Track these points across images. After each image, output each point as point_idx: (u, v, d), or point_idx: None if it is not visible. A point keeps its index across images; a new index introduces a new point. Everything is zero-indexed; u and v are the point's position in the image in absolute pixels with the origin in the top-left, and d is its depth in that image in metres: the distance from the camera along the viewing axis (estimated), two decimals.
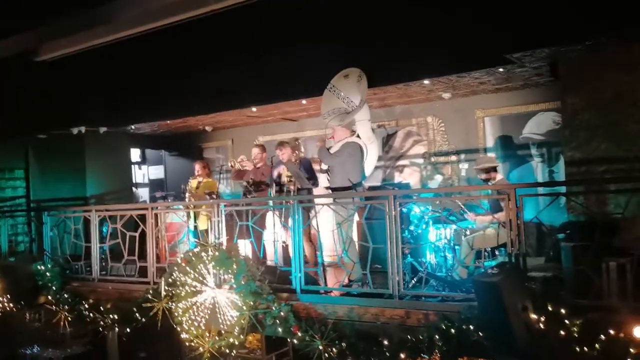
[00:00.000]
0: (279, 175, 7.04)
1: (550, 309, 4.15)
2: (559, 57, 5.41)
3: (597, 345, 3.95)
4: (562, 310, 4.12)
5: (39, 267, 7.64)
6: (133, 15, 7.51)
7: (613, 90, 5.14)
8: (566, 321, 4.09)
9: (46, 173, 9.34)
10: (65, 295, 7.42)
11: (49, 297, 7.51)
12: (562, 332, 4.08)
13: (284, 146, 6.97)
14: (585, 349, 3.99)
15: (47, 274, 7.58)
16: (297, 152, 7.02)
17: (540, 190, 6.49)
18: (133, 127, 9.51)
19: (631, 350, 3.82)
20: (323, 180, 6.59)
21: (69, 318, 7.34)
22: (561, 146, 6.55)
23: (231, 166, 7.49)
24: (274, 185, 7.10)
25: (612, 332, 3.95)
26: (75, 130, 9.03)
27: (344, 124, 6.26)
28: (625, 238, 4.73)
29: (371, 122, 6.51)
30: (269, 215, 6.72)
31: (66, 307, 7.32)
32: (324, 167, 6.40)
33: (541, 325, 4.12)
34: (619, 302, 4.21)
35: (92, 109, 8.90)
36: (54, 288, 7.52)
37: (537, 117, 7.33)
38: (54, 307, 7.43)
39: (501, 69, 6.09)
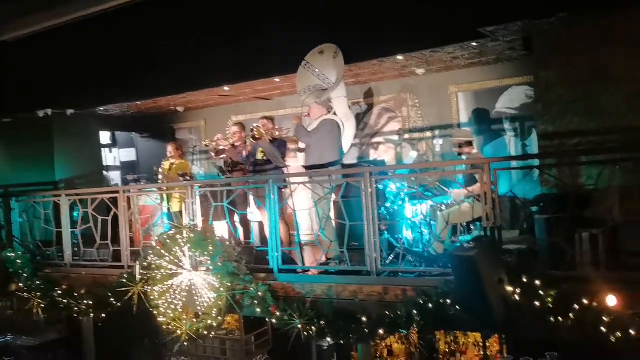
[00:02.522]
0: (254, 152, 6.89)
1: (525, 281, 4.21)
2: (532, 30, 5.41)
3: (571, 315, 4.02)
4: (537, 282, 4.17)
5: (9, 254, 7.47)
6: None
7: (586, 64, 5.16)
8: (541, 292, 4.14)
9: (13, 158, 9.05)
10: (38, 282, 7.27)
11: (21, 285, 7.37)
12: (537, 304, 4.14)
13: (268, 120, 6.80)
14: (560, 319, 4.06)
15: (18, 261, 7.43)
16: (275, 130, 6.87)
17: (514, 164, 6.54)
18: (102, 108, 9.27)
19: (604, 318, 3.90)
20: (300, 158, 6.50)
21: (42, 305, 7.21)
22: (534, 120, 6.60)
23: (206, 146, 7.33)
24: (250, 164, 6.99)
25: (585, 301, 4.02)
26: (41, 113, 8.76)
27: (321, 102, 6.18)
28: (597, 209, 4.81)
29: (347, 99, 6.45)
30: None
31: (39, 294, 7.19)
32: (302, 145, 6.30)
33: (517, 297, 4.17)
34: (592, 272, 4.29)
35: (58, 90, 8.63)
36: (25, 275, 7.36)
37: (510, 91, 7.35)
38: (26, 294, 7.28)
39: (474, 43, 6.07)
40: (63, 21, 7.91)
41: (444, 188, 6.01)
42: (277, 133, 6.43)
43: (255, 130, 6.31)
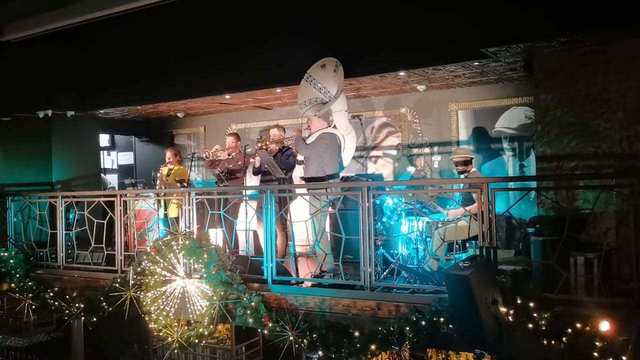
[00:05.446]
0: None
1: (519, 302, 4.21)
2: (533, 53, 5.45)
3: (564, 339, 4.02)
4: (531, 304, 4.18)
5: (1, 253, 7.44)
6: None
7: (585, 88, 5.20)
8: (534, 314, 4.15)
9: (10, 157, 9.02)
10: (30, 283, 7.25)
11: (12, 285, 7.34)
12: (530, 326, 4.14)
13: (279, 128, 7.08)
14: (553, 342, 4.06)
15: (11, 260, 7.40)
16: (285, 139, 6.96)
17: (511, 184, 6.56)
18: (102, 111, 9.28)
19: (597, 343, 3.90)
20: (299, 170, 6.53)
21: (33, 306, 7.18)
22: (532, 141, 6.63)
23: (206, 157, 7.38)
24: (259, 172, 7.04)
25: (578, 325, 4.02)
26: (41, 114, 8.75)
27: (321, 115, 6.20)
28: (593, 233, 4.83)
29: (348, 113, 6.47)
30: (242, 204, 6.65)
31: (30, 295, 7.16)
32: (300, 158, 6.34)
33: (510, 318, 4.17)
34: (586, 296, 4.29)
35: (59, 92, 8.63)
36: (17, 275, 7.34)
37: (510, 111, 7.40)
38: (17, 294, 7.24)
39: (476, 63, 6.12)
40: (67, 24, 7.92)
41: (440, 209, 6.02)
42: (286, 142, 6.50)
43: (260, 139, 6.39)
